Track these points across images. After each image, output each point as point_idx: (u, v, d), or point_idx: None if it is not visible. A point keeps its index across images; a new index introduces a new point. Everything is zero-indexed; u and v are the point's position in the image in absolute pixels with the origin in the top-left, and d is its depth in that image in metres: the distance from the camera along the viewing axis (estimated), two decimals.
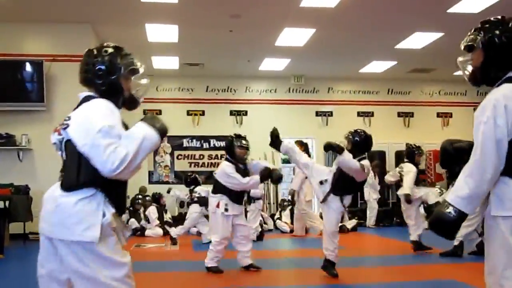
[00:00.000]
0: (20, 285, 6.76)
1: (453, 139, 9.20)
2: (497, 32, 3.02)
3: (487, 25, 3.09)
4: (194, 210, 11.03)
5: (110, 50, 3.29)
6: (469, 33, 3.20)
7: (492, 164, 2.83)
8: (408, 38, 13.40)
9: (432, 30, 12.95)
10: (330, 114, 17.69)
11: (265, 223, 13.41)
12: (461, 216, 2.86)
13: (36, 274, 3.07)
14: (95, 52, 3.32)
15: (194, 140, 16.74)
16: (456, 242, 8.42)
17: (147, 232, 12.50)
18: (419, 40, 13.55)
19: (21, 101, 11.92)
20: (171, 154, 16.79)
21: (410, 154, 9.64)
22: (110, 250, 2.93)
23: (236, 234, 7.51)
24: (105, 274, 2.89)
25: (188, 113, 17.14)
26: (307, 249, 10.39)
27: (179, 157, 16.70)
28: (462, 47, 3.23)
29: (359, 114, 17.75)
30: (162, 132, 3.06)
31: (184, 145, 16.82)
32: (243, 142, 7.58)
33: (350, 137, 7.08)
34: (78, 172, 2.98)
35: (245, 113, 17.15)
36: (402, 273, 7.37)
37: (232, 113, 17.24)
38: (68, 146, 3.04)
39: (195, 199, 11.13)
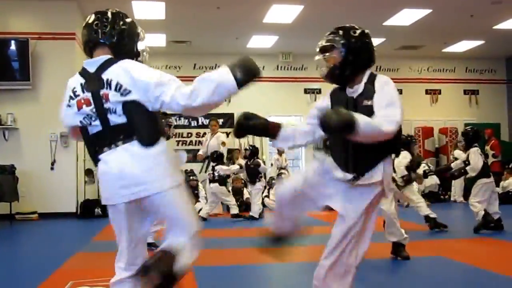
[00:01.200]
0: (7, 265, 6.74)
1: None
2: (354, 36, 3.45)
3: (344, 30, 3.49)
4: (219, 190, 11.52)
5: (126, 16, 3.26)
6: (327, 35, 3.53)
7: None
8: (396, 14, 13.40)
9: (420, 7, 12.94)
10: (319, 91, 17.68)
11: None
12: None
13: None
14: (115, 15, 3.20)
15: (182, 118, 16.71)
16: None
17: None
18: (407, 16, 13.55)
19: (6, 80, 11.84)
20: None
21: (406, 144, 9.55)
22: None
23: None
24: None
25: None
26: None
27: None
28: (321, 47, 3.53)
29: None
30: (245, 80, 3.03)
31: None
32: (169, 120, 7.88)
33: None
34: (155, 126, 3.05)
35: None
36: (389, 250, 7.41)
37: None
38: (131, 108, 2.98)
39: (216, 177, 11.42)
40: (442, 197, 15.42)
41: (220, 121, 16.90)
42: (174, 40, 15.55)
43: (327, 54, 3.49)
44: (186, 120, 16.83)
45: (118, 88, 2.96)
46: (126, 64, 3.03)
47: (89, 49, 3.18)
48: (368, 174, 3.31)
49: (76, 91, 3.09)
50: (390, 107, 3.19)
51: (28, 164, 11.67)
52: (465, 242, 8.12)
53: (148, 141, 2.99)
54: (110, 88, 2.97)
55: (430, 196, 14.35)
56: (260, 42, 15.72)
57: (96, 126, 3.03)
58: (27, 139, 11.87)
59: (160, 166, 3.00)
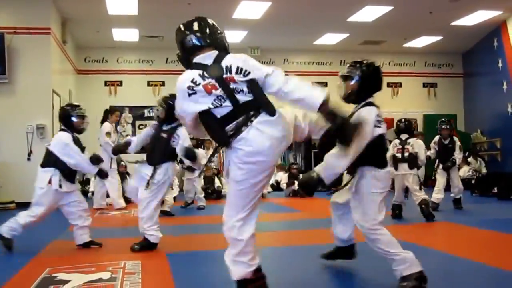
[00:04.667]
0: None
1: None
2: (368, 71, 4.53)
3: (360, 65, 4.57)
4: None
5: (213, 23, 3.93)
6: (348, 66, 4.59)
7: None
8: (359, 11, 13.47)
9: (382, 4, 13.03)
10: None
11: (222, 187, 13.70)
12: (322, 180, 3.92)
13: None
14: (210, 23, 3.87)
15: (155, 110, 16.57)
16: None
17: (107, 200, 12.13)
18: (370, 13, 13.63)
19: None
20: (133, 124, 16.70)
21: None
22: None
23: (72, 211, 6.53)
24: None
25: (149, 84, 17.00)
26: (266, 213, 10.47)
27: (140, 126, 16.58)
28: (343, 75, 4.54)
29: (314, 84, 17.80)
30: (331, 111, 3.73)
31: (145, 115, 16.70)
32: (80, 110, 6.74)
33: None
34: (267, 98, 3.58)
35: None
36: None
37: None
38: (253, 86, 3.48)
39: None
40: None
41: None
42: (147, 35, 15.44)
43: (347, 82, 4.49)
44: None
45: (239, 71, 3.46)
46: (236, 55, 3.63)
47: (194, 51, 3.66)
48: None
49: (195, 81, 3.47)
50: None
51: (5, 155, 11.51)
52: (424, 227, 8.22)
53: (273, 111, 3.47)
54: (231, 72, 3.46)
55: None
56: (229, 37, 15.36)
57: (226, 107, 3.42)
58: (4, 131, 11.68)
59: (287, 123, 3.58)
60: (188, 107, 3.51)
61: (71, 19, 13.53)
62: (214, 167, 14.27)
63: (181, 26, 3.76)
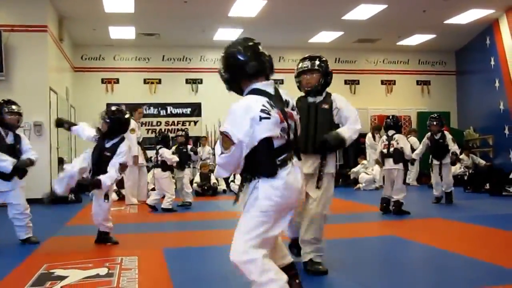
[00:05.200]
0: None
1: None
2: (327, 65, 4.94)
3: (320, 59, 4.93)
4: (162, 175, 10.12)
5: None
6: (310, 60, 4.94)
7: None
8: (354, 9, 13.47)
9: (376, 2, 13.04)
10: (281, 82, 17.66)
11: (218, 184, 13.71)
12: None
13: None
14: None
15: (152, 108, 16.60)
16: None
17: None
18: (364, 11, 13.64)
19: None
20: None
21: None
22: None
23: (11, 211, 6.53)
24: None
25: (145, 81, 16.97)
26: None
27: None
28: (312, 67, 4.89)
29: None
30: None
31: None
32: (13, 107, 6.50)
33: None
34: None
35: (200, 81, 17.05)
36: (346, 230, 7.47)
37: (187, 81, 17.14)
38: (295, 126, 3.37)
39: (159, 162, 10.13)
40: None
41: (188, 110, 16.89)
42: (143, 32, 15.40)
43: (312, 74, 4.86)
44: (156, 109, 16.72)
45: (293, 108, 3.34)
46: (283, 90, 3.37)
47: (252, 77, 3.31)
48: None
49: (267, 107, 3.14)
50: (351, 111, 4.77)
51: None
52: (416, 222, 8.24)
53: (299, 157, 3.37)
54: (288, 106, 3.29)
55: None
56: (225, 34, 15.63)
57: (283, 140, 3.21)
58: None
59: None
60: (258, 133, 3.10)
61: (68, 17, 13.49)
62: (210, 163, 14.28)
63: (243, 47, 3.36)
